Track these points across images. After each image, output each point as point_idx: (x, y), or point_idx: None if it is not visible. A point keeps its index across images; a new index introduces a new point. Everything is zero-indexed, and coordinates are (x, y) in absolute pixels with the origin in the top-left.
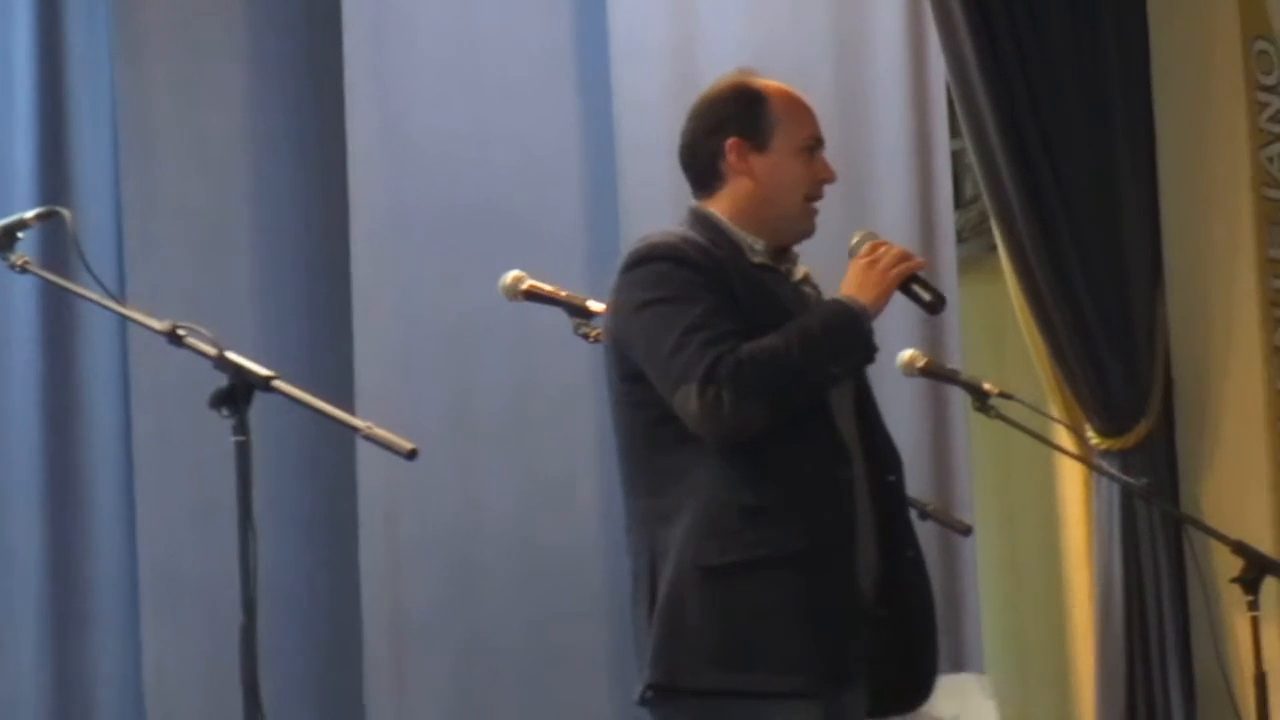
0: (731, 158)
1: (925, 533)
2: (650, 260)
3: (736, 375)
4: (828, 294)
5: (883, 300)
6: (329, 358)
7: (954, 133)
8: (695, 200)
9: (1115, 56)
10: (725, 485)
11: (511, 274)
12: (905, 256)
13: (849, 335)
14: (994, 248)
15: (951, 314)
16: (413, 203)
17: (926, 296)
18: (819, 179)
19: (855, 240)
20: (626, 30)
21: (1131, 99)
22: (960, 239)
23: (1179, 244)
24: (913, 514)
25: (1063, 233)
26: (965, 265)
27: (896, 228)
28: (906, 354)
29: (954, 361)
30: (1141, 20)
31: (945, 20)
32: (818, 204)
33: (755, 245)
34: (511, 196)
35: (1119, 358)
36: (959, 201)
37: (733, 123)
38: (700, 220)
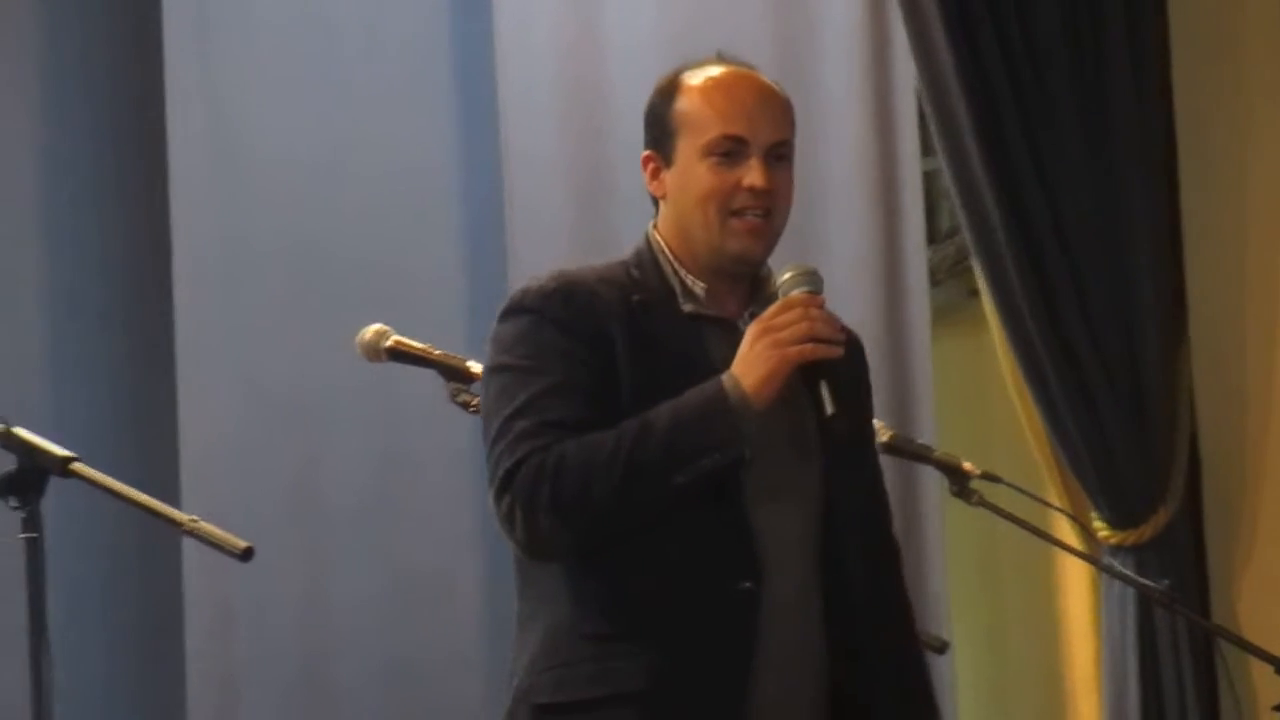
0: (646, 177)
1: None
2: (512, 313)
3: (534, 486)
4: None
5: (771, 385)
6: (146, 434)
7: (926, 150)
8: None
9: (1124, 52)
10: (574, 602)
11: (372, 328)
12: (816, 328)
13: (706, 433)
14: (975, 292)
15: (924, 375)
16: (248, 239)
17: (827, 406)
18: (737, 187)
19: (785, 277)
20: (515, 23)
21: (1145, 106)
22: (934, 281)
23: (1206, 287)
24: None
25: (1060, 273)
26: (941, 314)
27: (854, 269)
28: None
29: (926, 434)
30: (1158, 6)
31: (913, 11)
32: (752, 217)
33: (694, 287)
34: (372, 230)
35: (1132, 429)
36: (932, 236)
37: (648, 133)
38: (644, 249)
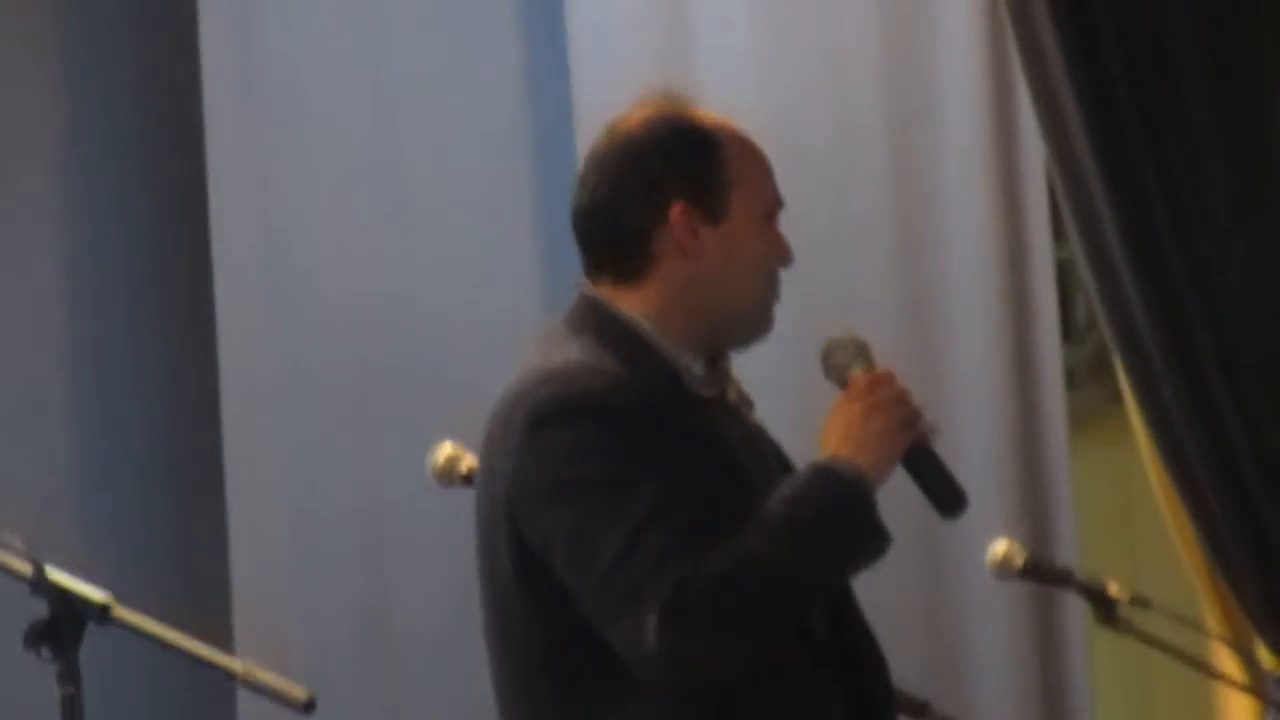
0: (678, 232)
1: None
2: (568, 419)
3: (719, 604)
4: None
5: (890, 468)
6: (194, 566)
7: (1059, 235)
8: (594, 289)
9: (1276, 131)
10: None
11: (444, 454)
12: (914, 407)
13: (857, 528)
14: (1118, 396)
15: (1063, 487)
16: (302, 357)
17: (940, 489)
18: (778, 256)
19: (843, 354)
20: (591, 99)
21: None
22: (1071, 384)
23: None
24: None
25: (1212, 369)
26: (1080, 419)
27: (981, 369)
28: (1000, 547)
29: (1066, 554)
30: None
31: (1037, 73)
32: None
33: (694, 367)
34: (442, 333)
35: None
36: (1068, 332)
37: (677, 179)
38: (612, 331)
